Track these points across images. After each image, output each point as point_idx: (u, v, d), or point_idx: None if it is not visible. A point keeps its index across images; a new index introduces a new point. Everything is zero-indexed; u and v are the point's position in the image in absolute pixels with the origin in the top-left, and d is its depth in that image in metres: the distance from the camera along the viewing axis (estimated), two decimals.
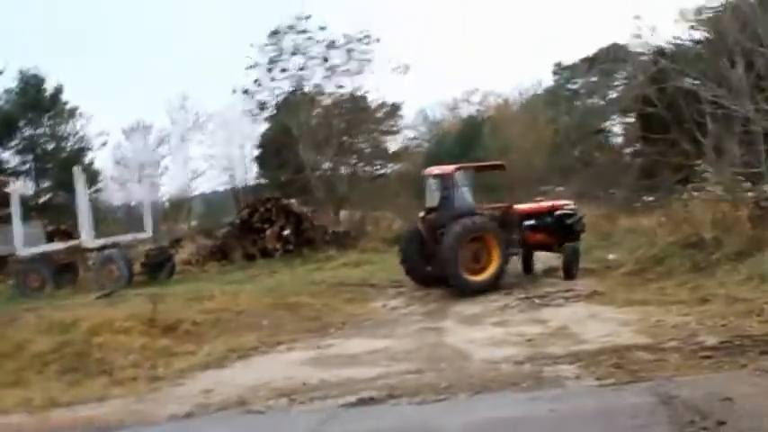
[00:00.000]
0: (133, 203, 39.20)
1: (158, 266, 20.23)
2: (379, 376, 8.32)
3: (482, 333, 10.47)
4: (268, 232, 22.87)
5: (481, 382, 7.57)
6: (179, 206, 38.19)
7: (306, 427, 6.51)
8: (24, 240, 19.74)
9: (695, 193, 15.93)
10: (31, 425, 7.44)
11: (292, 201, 24.44)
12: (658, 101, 22.19)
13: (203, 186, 46.56)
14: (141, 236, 21.47)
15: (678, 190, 18.16)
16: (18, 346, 10.86)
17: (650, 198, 19.41)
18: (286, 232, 22.82)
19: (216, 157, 42.73)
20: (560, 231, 15.46)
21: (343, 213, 28.59)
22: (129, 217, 37.43)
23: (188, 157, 42.42)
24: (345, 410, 6.94)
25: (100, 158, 39.74)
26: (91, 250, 20.06)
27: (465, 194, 14.99)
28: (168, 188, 40.71)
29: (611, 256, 16.98)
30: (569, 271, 15.14)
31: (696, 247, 13.73)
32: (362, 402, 7.17)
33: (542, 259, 16.55)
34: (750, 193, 14.96)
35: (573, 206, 15.98)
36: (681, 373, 7.02)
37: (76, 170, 20.65)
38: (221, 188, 44.79)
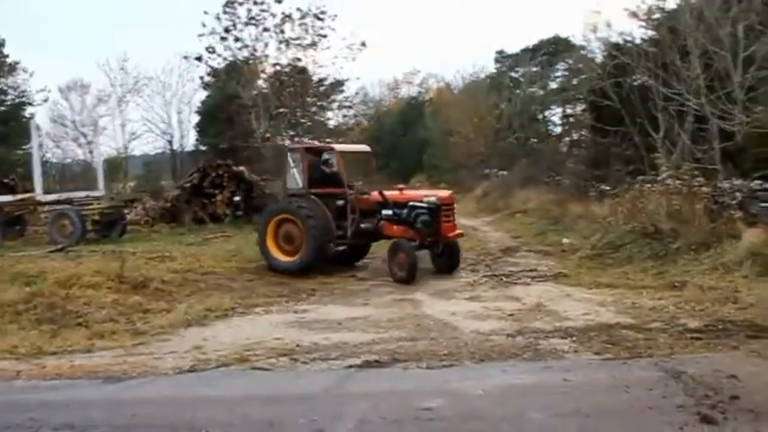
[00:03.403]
0: (68, 161, 38.25)
1: (110, 225, 19.81)
2: (374, 341, 8.38)
3: (459, 307, 10.61)
4: (219, 197, 22.63)
5: (481, 351, 7.70)
6: (116, 167, 37.25)
7: (324, 384, 6.52)
8: None
9: (648, 185, 16.47)
10: (29, 372, 7.21)
11: (243, 168, 24.20)
12: (613, 94, 22.84)
13: (140, 148, 45.64)
14: (95, 193, 20.98)
15: (629, 181, 18.79)
16: None
17: (605, 187, 19.91)
18: (237, 198, 22.62)
19: (154, 121, 41.94)
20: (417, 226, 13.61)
21: None
22: (64, 174, 36.45)
23: (126, 118, 41.54)
24: (358, 371, 6.99)
25: (39, 115, 38.36)
26: (44, 204, 19.49)
27: (296, 175, 14.37)
28: (105, 148, 39.66)
29: (565, 240, 17.45)
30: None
31: (653, 237, 14.23)
32: (369, 365, 7.23)
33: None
34: (705, 189, 15.56)
35: (433, 200, 13.46)
36: (677, 352, 7.32)
37: (33, 124, 20.02)
38: (158, 151, 44.02)
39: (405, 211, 13.71)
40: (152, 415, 5.91)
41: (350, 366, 7.19)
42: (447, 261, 14.08)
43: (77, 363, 7.59)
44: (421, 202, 13.60)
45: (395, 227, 13.85)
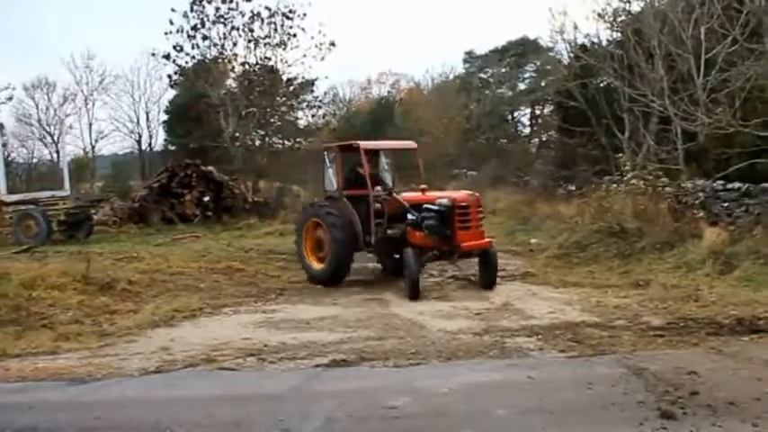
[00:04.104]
0: (35, 161, 37.77)
1: (77, 225, 19.60)
2: (341, 341, 8.42)
3: (428, 306, 10.68)
4: (188, 197, 22.51)
5: (448, 350, 7.78)
6: (83, 166, 36.84)
7: (291, 384, 6.54)
8: None
9: (614, 185, 16.71)
10: None
11: (211, 168, 24.09)
12: (579, 95, 23.10)
13: (108, 148, 45.26)
14: (61, 193, 20.73)
15: (596, 181, 19.02)
16: None
17: (572, 187, 20.14)
18: (206, 198, 22.51)
19: (121, 120, 41.59)
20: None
21: (260, 183, 28.35)
22: (30, 174, 35.95)
23: (93, 117, 41.14)
24: (325, 370, 7.02)
25: (4, 114, 37.90)
26: (8, 204, 19.23)
27: (330, 175, 13.31)
28: (72, 148, 39.22)
29: (533, 240, 17.63)
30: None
31: (619, 236, 14.45)
32: (337, 364, 7.26)
33: None
34: (669, 189, 15.83)
35: (445, 203, 11.90)
36: (640, 349, 7.45)
37: None
38: (126, 151, 43.67)
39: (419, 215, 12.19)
40: (117, 416, 5.89)
41: (317, 366, 7.22)
42: (484, 274, 12.28)
43: (42, 365, 7.52)
44: (433, 204, 12.01)
45: (417, 233, 12.16)
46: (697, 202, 15.67)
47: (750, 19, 16.08)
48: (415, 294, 11.34)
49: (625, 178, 16.59)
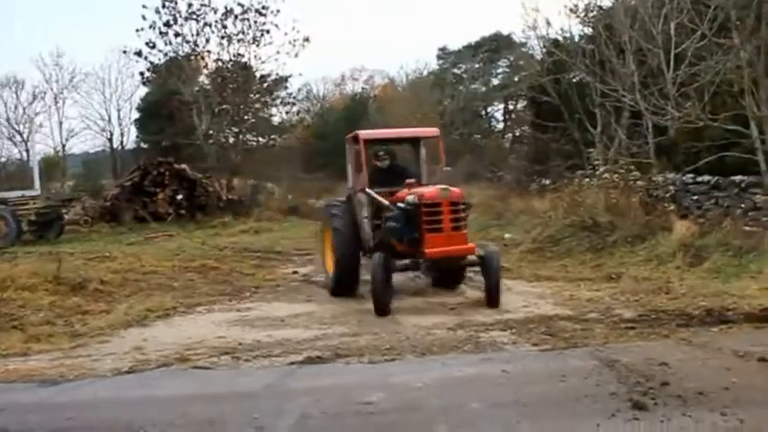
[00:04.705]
0: (4, 160, 37.25)
1: (47, 225, 19.37)
2: (316, 338, 8.42)
3: (402, 302, 10.67)
4: (160, 196, 22.40)
5: (422, 345, 7.79)
6: (53, 165, 36.41)
7: (265, 381, 6.52)
8: None
9: (586, 180, 16.86)
10: None
11: (184, 166, 23.94)
12: (552, 90, 23.28)
13: (79, 147, 44.82)
14: (31, 193, 20.46)
15: (568, 176, 19.18)
16: None
17: (545, 182, 20.29)
18: (179, 197, 22.38)
19: (92, 118, 41.17)
20: None
21: (234, 181, 28.26)
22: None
23: (63, 116, 40.70)
24: (299, 367, 7.00)
25: None
26: None
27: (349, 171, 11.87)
28: (42, 147, 38.77)
29: (507, 235, 17.72)
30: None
31: (591, 230, 14.59)
32: (311, 361, 7.25)
33: None
34: (640, 182, 16.01)
35: (411, 200, 10.19)
36: (612, 341, 7.52)
37: None
38: (98, 150, 43.25)
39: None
40: (89, 417, 5.83)
41: (292, 363, 7.20)
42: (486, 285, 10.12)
43: (12, 367, 7.42)
44: (401, 202, 10.39)
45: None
46: (667, 195, 15.90)
47: (718, 14, 16.31)
48: (381, 310, 9.59)
49: (597, 172, 16.77)
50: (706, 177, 16.69)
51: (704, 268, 11.35)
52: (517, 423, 5.25)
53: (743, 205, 15.59)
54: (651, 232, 13.41)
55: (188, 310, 10.61)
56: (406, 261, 10.25)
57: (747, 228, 13.63)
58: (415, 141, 12.28)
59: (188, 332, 9.02)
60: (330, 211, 11.58)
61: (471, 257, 10.22)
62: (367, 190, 10.93)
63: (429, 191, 10.24)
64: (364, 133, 11.62)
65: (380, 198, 10.79)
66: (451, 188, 10.29)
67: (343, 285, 11.16)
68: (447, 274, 11.11)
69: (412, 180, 10.90)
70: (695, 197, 16.68)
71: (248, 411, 5.65)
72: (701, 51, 17.00)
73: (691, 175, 16.95)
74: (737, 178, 16.14)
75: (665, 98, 17.63)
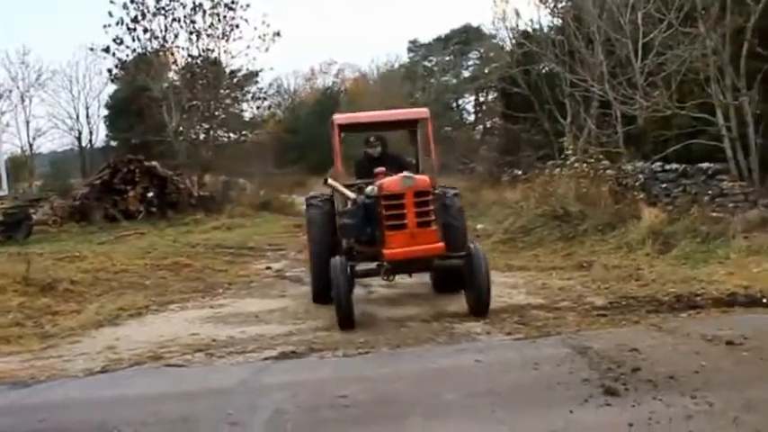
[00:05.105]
0: None
1: (15, 226, 19.08)
2: (290, 333, 8.39)
3: (376, 294, 10.71)
4: (131, 194, 22.17)
5: (396, 337, 7.81)
6: (21, 165, 35.93)
7: (240, 377, 6.49)
8: None
9: (557, 170, 16.99)
10: None
11: (155, 163, 23.73)
12: (522, 81, 23.42)
13: (47, 146, 44.28)
14: None
15: (539, 166, 19.32)
16: None
17: (516, 173, 20.43)
18: (150, 194, 22.18)
19: (60, 116, 40.66)
20: None
21: (205, 178, 28.10)
22: None
23: (30, 114, 40.16)
24: (274, 362, 6.99)
25: None
26: None
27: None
28: (8, 146, 38.21)
29: (479, 226, 17.78)
30: None
31: (562, 220, 14.72)
32: (286, 356, 7.24)
33: None
34: (610, 171, 16.19)
35: (369, 191, 8.94)
36: (584, 329, 7.61)
37: None
38: (66, 148, 42.76)
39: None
40: (61, 418, 5.77)
41: (266, 359, 7.18)
42: (468, 293, 8.85)
43: None
44: (360, 195, 9.17)
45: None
46: (637, 183, 16.10)
47: (684, 3, 16.48)
48: (344, 323, 8.26)
49: (568, 162, 16.89)
50: (674, 165, 16.92)
51: (673, 255, 11.52)
52: (492, 412, 5.29)
53: (710, 192, 15.84)
54: (621, 220, 13.57)
55: (161, 308, 10.50)
56: (372, 265, 8.79)
57: (714, 214, 13.87)
58: (403, 125, 11.27)
59: (161, 330, 8.94)
60: (309, 203, 10.40)
61: (453, 261, 8.84)
62: (330, 181, 9.63)
63: (389, 180, 8.73)
64: (340, 117, 10.49)
65: (345, 190, 9.42)
66: (416, 176, 8.79)
67: (323, 291, 9.37)
68: (448, 278, 9.59)
69: (381, 169, 9.45)
70: (664, 185, 16.90)
71: (222, 408, 5.63)
72: (668, 41, 17.18)
73: (659, 164, 17.17)
74: (705, 165, 16.39)
75: (634, 87, 17.80)
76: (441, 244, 8.59)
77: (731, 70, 15.43)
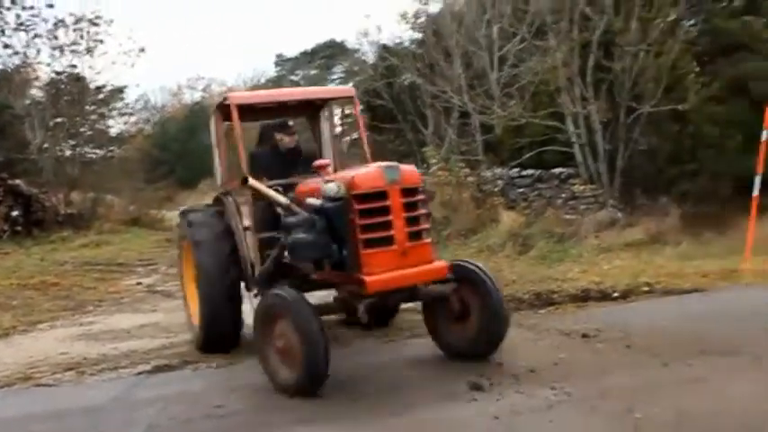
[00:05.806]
0: None
1: None
2: (163, 347, 8.32)
3: (247, 305, 10.71)
4: None
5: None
6: None
7: (112, 394, 6.39)
8: None
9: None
10: None
11: (19, 181, 22.58)
12: (386, 94, 24.02)
13: None
14: None
15: None
16: None
17: None
18: (15, 213, 21.05)
19: None
20: None
21: (72, 195, 26.97)
22: None
23: None
24: (147, 377, 6.94)
25: None
26: None
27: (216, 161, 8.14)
28: None
29: None
30: None
31: None
32: (159, 369, 7.20)
33: None
34: (471, 178, 16.92)
35: (333, 188, 5.94)
36: None
37: None
38: None
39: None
40: None
41: (140, 373, 7.12)
42: (477, 327, 6.54)
43: None
44: (313, 197, 6.25)
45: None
46: (496, 189, 16.91)
47: (535, 19, 17.51)
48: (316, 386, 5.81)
49: (431, 171, 17.49)
50: (530, 171, 17.90)
51: (531, 255, 12.23)
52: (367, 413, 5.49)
53: (563, 195, 16.90)
54: (482, 225, 14.25)
55: (29, 328, 10.08)
56: (330, 301, 6.72)
57: (567, 216, 14.84)
58: (317, 107, 8.41)
59: (29, 350, 8.62)
60: (187, 219, 7.74)
61: (443, 286, 6.52)
62: (251, 181, 6.76)
63: (363, 173, 6.05)
64: (237, 96, 7.66)
65: (274, 193, 6.69)
66: (402, 166, 6.20)
67: (215, 340, 7.45)
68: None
69: (325, 161, 7.01)
70: (521, 190, 17.83)
71: (95, 425, 5.59)
72: (521, 53, 18.20)
73: (516, 170, 18.11)
74: (558, 171, 17.47)
75: (491, 98, 18.71)
76: (442, 263, 6.45)
77: (579, 81, 16.55)
